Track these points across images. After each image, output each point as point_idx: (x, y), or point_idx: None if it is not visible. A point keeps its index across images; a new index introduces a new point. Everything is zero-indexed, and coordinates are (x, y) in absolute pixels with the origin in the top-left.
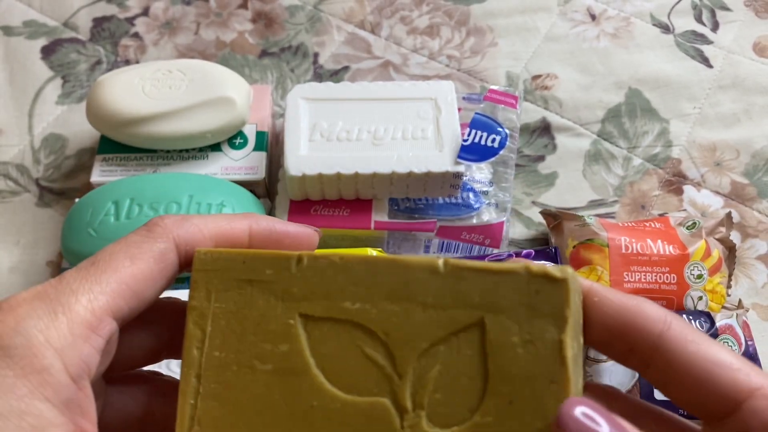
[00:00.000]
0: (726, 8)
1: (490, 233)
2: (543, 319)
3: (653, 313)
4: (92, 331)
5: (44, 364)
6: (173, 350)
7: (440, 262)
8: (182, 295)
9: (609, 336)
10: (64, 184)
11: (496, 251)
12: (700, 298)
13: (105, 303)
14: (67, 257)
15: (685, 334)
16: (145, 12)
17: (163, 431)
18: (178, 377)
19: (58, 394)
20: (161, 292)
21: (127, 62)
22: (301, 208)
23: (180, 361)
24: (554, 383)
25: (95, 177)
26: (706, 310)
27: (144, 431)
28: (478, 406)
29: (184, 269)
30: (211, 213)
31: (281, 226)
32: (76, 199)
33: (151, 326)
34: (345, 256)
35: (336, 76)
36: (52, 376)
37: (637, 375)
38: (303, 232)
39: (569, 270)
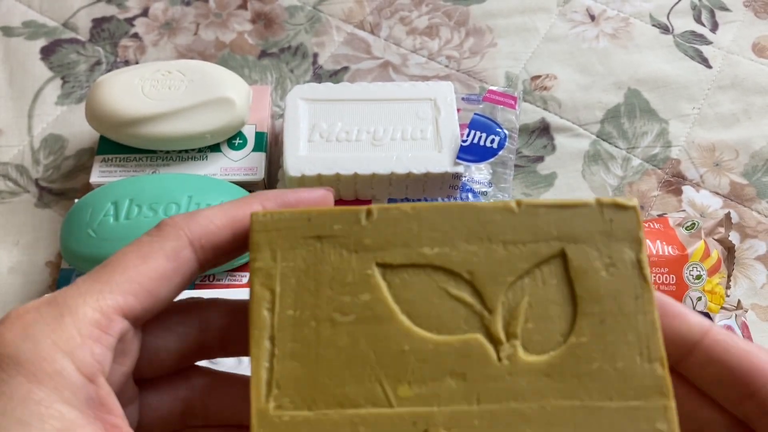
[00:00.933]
0: (725, 8)
1: None
2: (620, 243)
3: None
4: (102, 330)
5: (56, 368)
6: (204, 351)
7: (513, 203)
8: (194, 294)
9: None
10: (63, 184)
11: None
12: (699, 298)
13: (114, 302)
14: (66, 258)
15: None
16: (145, 12)
17: (205, 420)
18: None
19: (75, 395)
20: (179, 291)
21: (127, 63)
22: None
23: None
24: (639, 298)
25: (94, 178)
26: (705, 310)
27: (187, 424)
28: (571, 329)
29: (205, 266)
30: None
31: (293, 195)
32: (76, 200)
33: (177, 327)
34: (416, 205)
35: (335, 76)
36: (65, 378)
37: None
38: (317, 195)
39: (635, 200)
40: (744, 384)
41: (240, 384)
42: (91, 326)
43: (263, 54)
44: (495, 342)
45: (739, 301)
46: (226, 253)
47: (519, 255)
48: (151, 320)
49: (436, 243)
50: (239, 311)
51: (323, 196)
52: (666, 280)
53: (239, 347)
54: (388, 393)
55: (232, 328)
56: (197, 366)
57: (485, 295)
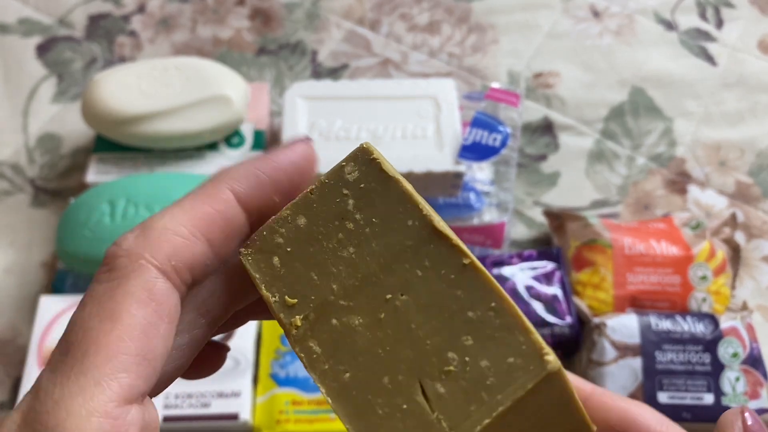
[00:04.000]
0: (730, 5)
1: (492, 234)
2: None
3: (653, 419)
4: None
5: None
6: (214, 328)
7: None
8: None
9: None
10: (59, 183)
11: (497, 252)
12: (704, 299)
13: (111, 397)
14: (62, 258)
15: None
16: (141, 9)
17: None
18: None
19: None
20: (173, 330)
21: (123, 60)
22: None
23: None
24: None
25: (90, 177)
26: (710, 312)
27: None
28: None
29: (183, 287)
30: None
31: (267, 166)
32: (71, 199)
33: (175, 341)
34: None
35: (335, 74)
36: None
37: (640, 378)
38: (296, 156)
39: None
40: None
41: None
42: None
43: (261, 51)
44: None
45: (744, 302)
46: (205, 269)
47: None
48: None
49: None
50: (232, 265)
51: (303, 155)
52: (670, 281)
53: (251, 297)
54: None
55: (237, 291)
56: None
57: None
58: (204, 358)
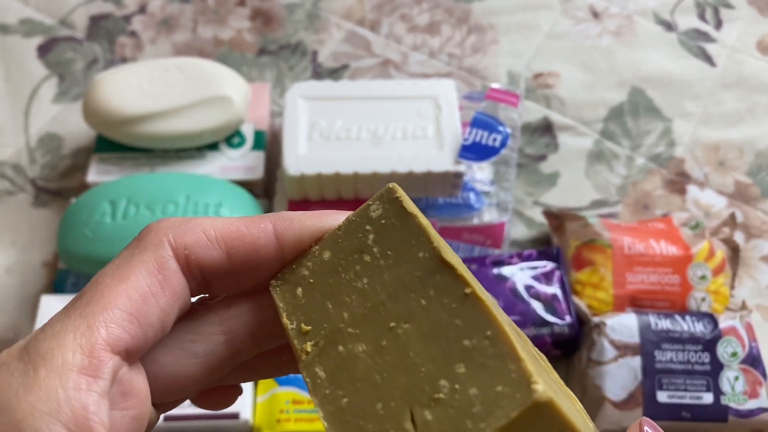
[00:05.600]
0: (729, 6)
1: (491, 234)
2: None
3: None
4: (89, 375)
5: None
6: (235, 356)
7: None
8: None
9: None
10: (60, 183)
11: (497, 252)
12: (704, 299)
13: (97, 338)
14: (63, 258)
15: None
16: (142, 10)
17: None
18: None
19: None
20: (173, 309)
21: (124, 60)
22: (300, 208)
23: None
24: None
25: (91, 177)
26: (710, 311)
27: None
28: None
29: (200, 287)
30: (208, 214)
31: (312, 221)
32: (73, 199)
33: (192, 346)
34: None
35: (335, 74)
36: None
37: (640, 377)
38: (330, 222)
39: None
40: None
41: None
42: (74, 374)
43: (262, 51)
44: None
45: (743, 302)
46: (218, 278)
47: None
48: (157, 346)
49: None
50: (263, 296)
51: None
52: (670, 281)
53: (275, 339)
54: None
55: (262, 321)
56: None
57: None
58: (217, 391)
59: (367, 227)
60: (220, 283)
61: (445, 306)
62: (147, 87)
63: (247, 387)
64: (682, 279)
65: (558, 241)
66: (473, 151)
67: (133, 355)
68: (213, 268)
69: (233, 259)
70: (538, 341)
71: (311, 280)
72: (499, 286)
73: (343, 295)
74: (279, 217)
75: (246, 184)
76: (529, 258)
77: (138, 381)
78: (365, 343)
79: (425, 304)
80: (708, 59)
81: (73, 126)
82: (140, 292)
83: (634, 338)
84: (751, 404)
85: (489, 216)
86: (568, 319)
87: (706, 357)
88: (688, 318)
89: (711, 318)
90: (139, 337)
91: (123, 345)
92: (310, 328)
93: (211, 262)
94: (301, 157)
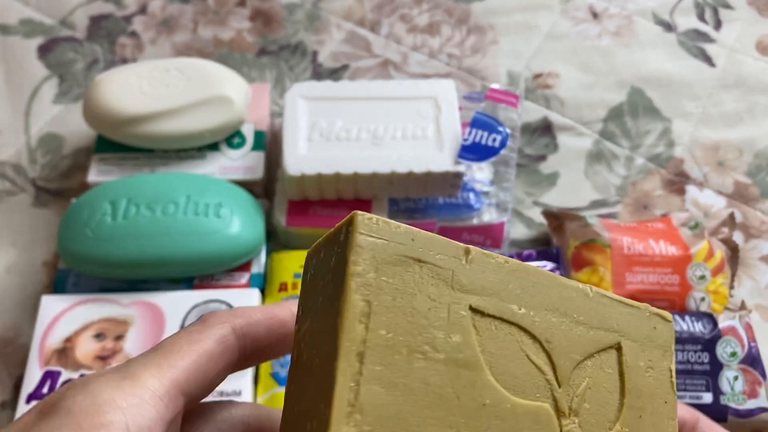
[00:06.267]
0: (729, 6)
1: (491, 234)
2: (658, 349)
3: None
4: (160, 399)
5: (105, 420)
6: None
7: (588, 288)
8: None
9: None
10: (60, 184)
11: (497, 252)
12: (703, 299)
13: (172, 376)
14: (63, 258)
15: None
16: (143, 10)
17: None
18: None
19: None
20: (224, 376)
21: (124, 61)
22: (300, 208)
23: None
24: (668, 403)
25: (92, 177)
26: (709, 311)
27: None
28: (617, 418)
29: (244, 355)
30: (209, 214)
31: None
32: (73, 199)
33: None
34: (509, 259)
35: (335, 74)
36: (111, 431)
37: None
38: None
39: (671, 315)
40: None
41: None
42: (150, 392)
43: (262, 52)
44: (560, 415)
45: (743, 302)
46: (262, 345)
47: (588, 337)
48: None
49: (524, 304)
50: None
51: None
52: (669, 281)
53: None
54: None
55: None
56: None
57: (558, 368)
58: None
59: (326, 276)
60: (262, 352)
61: (317, 365)
62: (147, 87)
63: (247, 387)
64: (682, 279)
65: (557, 241)
66: (473, 152)
67: (192, 401)
68: (261, 339)
69: (271, 331)
70: None
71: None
72: None
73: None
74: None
75: (246, 184)
76: (528, 258)
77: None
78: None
79: (318, 362)
80: (707, 59)
81: (73, 126)
82: (209, 355)
83: None
84: (750, 404)
85: (489, 216)
86: None
87: (705, 357)
88: (687, 318)
89: (710, 318)
90: (198, 391)
91: (189, 392)
92: None
93: (261, 335)
94: (301, 157)
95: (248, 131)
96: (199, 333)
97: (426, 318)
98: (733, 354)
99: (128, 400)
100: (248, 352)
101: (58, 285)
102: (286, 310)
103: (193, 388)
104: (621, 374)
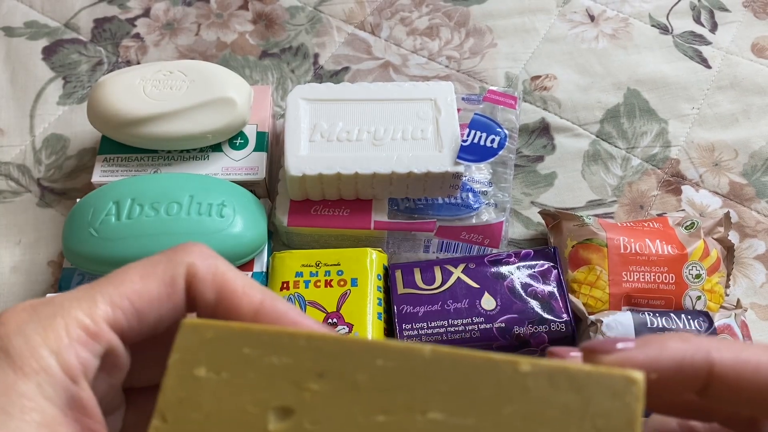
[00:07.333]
0: (724, 9)
1: (490, 233)
2: None
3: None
4: (90, 336)
5: (42, 364)
6: None
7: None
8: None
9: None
10: (65, 184)
11: (495, 251)
12: (699, 297)
13: (104, 312)
14: (68, 257)
15: None
16: (146, 13)
17: None
18: None
19: (57, 393)
20: (170, 318)
21: (128, 63)
22: (301, 208)
23: None
24: None
25: (96, 177)
26: (705, 309)
27: None
28: None
29: (190, 305)
30: (212, 213)
31: (294, 317)
32: (77, 199)
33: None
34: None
35: (336, 76)
36: (50, 375)
37: None
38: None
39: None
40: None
41: None
42: (80, 330)
43: (264, 54)
44: None
45: (738, 300)
46: (204, 308)
47: None
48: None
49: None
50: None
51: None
52: (665, 279)
53: None
54: None
55: None
56: None
57: None
58: None
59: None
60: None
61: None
62: (151, 89)
63: None
64: (678, 278)
65: (555, 241)
66: (472, 152)
67: (127, 339)
68: (205, 299)
69: (219, 298)
70: (535, 339)
71: None
72: (497, 285)
73: None
74: (269, 296)
75: (248, 185)
76: (526, 257)
77: (125, 359)
78: None
79: None
80: (703, 61)
81: (78, 127)
82: (150, 295)
83: (630, 336)
84: None
85: (487, 216)
86: (564, 317)
87: None
88: (683, 316)
89: (706, 316)
90: (134, 328)
91: (120, 328)
92: None
93: (205, 296)
94: (303, 158)
95: (250, 132)
96: (153, 267)
97: None
98: None
99: (59, 342)
100: (192, 304)
101: (63, 284)
102: (252, 296)
103: (125, 326)
104: None
